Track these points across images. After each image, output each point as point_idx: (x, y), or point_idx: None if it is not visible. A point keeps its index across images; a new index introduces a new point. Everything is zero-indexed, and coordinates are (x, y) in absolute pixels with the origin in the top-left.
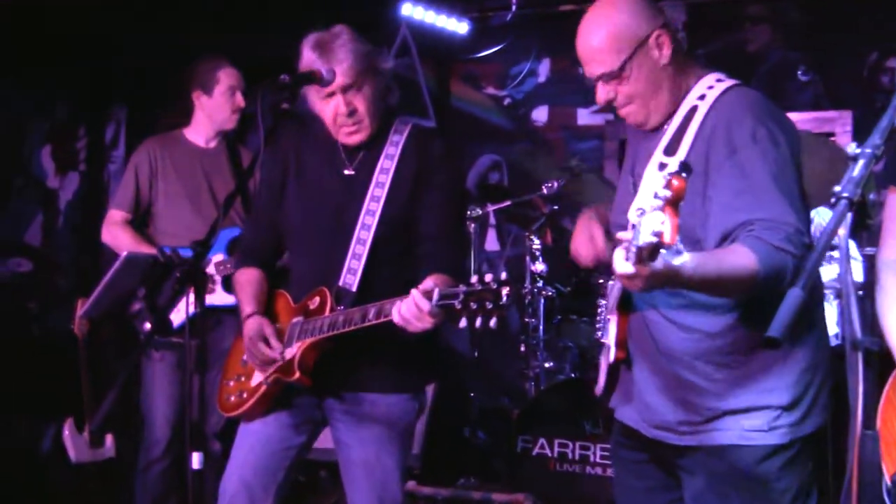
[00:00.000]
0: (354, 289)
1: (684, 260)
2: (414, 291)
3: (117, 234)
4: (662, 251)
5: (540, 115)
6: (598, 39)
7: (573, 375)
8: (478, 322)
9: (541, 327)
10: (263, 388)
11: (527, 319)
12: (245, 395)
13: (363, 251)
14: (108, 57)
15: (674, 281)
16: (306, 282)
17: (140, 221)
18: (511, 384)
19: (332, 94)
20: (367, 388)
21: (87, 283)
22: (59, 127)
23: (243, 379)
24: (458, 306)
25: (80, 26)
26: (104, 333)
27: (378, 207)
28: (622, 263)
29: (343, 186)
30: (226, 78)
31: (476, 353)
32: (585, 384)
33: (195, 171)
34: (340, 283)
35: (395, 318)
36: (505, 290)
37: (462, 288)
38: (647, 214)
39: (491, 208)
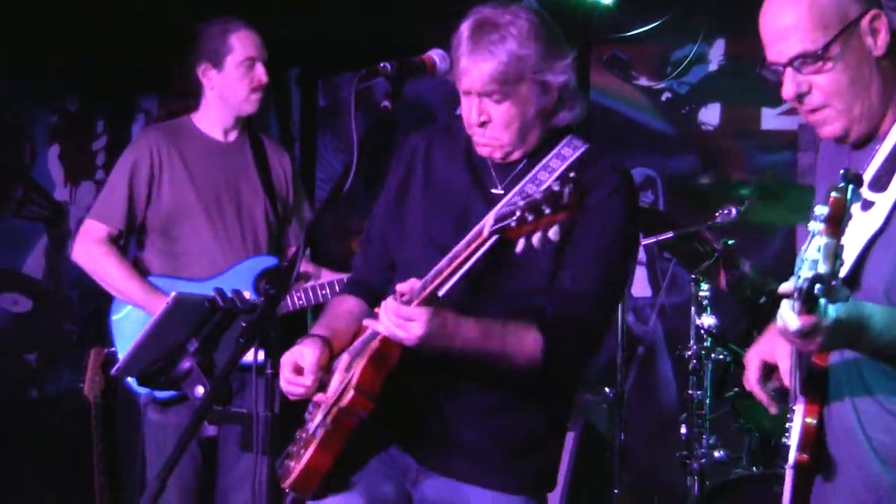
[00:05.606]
0: None
1: (867, 310)
2: None
3: (98, 257)
4: (818, 286)
5: (710, 115)
6: (796, 11)
7: (753, 469)
8: (535, 239)
9: (708, 403)
10: (321, 432)
11: (689, 392)
12: (302, 452)
13: None
14: (135, 32)
15: (856, 335)
16: None
17: (127, 243)
18: (667, 479)
19: (468, 93)
20: (469, 477)
21: (101, 328)
22: (69, 122)
23: (301, 438)
24: (514, 224)
25: None
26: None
27: None
28: (790, 316)
29: (484, 208)
30: (240, 45)
31: (623, 437)
32: (770, 481)
33: (214, 173)
34: None
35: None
36: (567, 189)
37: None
38: (808, 245)
39: (643, 241)
